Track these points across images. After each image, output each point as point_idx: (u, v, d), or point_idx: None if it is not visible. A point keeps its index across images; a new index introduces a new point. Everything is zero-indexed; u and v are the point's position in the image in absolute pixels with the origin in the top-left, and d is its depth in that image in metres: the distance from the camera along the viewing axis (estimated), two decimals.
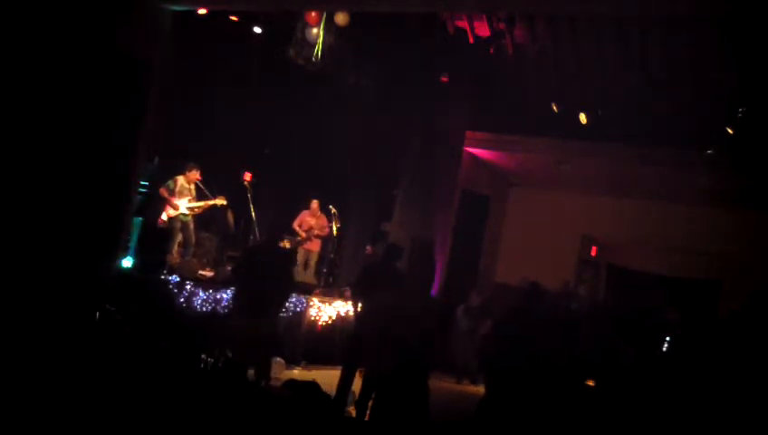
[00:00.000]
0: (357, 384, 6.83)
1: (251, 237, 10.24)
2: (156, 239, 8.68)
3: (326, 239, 11.25)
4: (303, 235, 10.83)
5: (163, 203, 9.24)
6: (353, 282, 8.05)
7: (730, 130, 10.28)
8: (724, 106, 10.24)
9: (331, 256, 11.68)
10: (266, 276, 6.92)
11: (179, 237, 9.24)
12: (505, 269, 13.76)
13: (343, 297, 9.67)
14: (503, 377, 5.98)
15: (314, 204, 10.97)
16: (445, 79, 11.43)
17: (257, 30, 9.90)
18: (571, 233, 13.57)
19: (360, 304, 7.16)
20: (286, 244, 10.69)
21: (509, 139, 12.35)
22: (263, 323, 6.84)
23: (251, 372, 6.97)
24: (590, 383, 7.30)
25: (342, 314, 9.40)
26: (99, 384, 4.63)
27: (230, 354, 6.69)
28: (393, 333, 5.93)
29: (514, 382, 5.73)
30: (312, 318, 9.13)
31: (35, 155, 6.16)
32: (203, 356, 6.32)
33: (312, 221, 10.91)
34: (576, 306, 9.20)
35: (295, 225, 10.94)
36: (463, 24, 11.27)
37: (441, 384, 9.17)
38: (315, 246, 10.99)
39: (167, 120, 8.07)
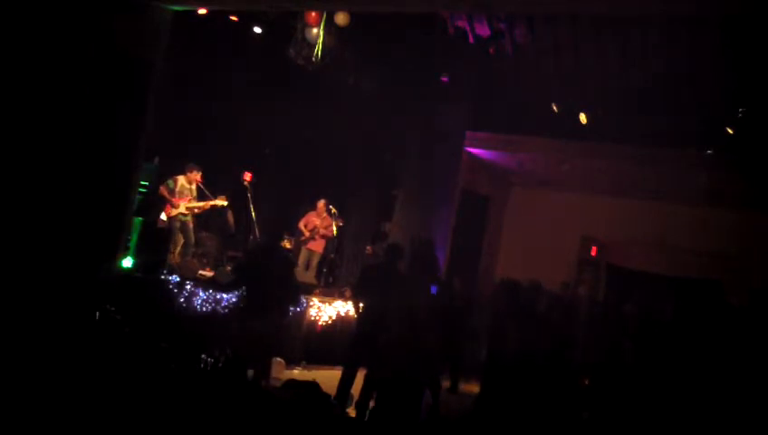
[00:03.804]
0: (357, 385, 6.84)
1: (251, 237, 10.23)
2: (156, 239, 8.67)
3: (329, 240, 11.25)
4: (307, 233, 10.84)
5: (163, 203, 9.24)
6: (354, 283, 8.05)
7: (730, 130, 10.29)
8: (724, 106, 10.25)
9: (332, 256, 11.69)
10: (270, 278, 6.93)
11: (179, 237, 9.24)
12: (505, 269, 13.75)
13: (343, 297, 9.67)
14: (495, 376, 5.99)
15: (320, 204, 10.95)
16: (445, 79, 11.43)
17: (257, 30, 9.90)
18: (571, 233, 13.57)
19: (361, 305, 7.17)
20: (287, 244, 10.70)
21: (509, 139, 12.35)
22: (267, 323, 6.85)
23: (251, 372, 6.97)
24: (586, 382, 7.31)
25: (342, 314, 9.39)
26: (99, 384, 4.62)
27: (230, 354, 6.68)
28: (394, 334, 5.93)
29: (506, 381, 5.74)
30: (312, 318, 9.13)
31: (36, 155, 6.16)
32: (203, 356, 6.32)
33: (317, 221, 10.91)
34: (565, 306, 9.18)
35: (301, 224, 10.94)
36: (463, 23, 11.27)
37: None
38: (318, 246, 10.98)
39: (167, 120, 8.07)
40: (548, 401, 6.34)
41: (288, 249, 10.43)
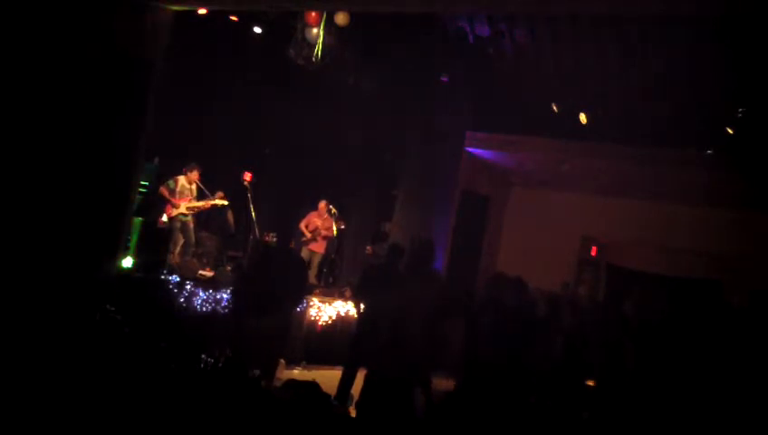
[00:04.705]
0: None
1: (251, 237, 10.24)
2: (156, 239, 8.67)
3: (330, 241, 11.26)
4: (309, 235, 10.85)
5: (163, 203, 9.24)
6: (355, 283, 8.07)
7: (730, 130, 10.29)
8: (724, 106, 10.24)
9: (332, 256, 11.69)
10: (280, 277, 6.96)
11: (179, 237, 9.24)
12: (505, 269, 13.73)
13: (343, 297, 9.68)
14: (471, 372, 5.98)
15: (322, 205, 10.97)
16: (445, 79, 11.43)
17: (257, 30, 9.90)
18: (571, 233, 13.58)
19: (361, 305, 7.18)
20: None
21: (509, 139, 12.36)
22: (272, 323, 6.87)
23: (252, 372, 6.98)
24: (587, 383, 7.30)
25: (342, 314, 9.40)
26: (98, 384, 4.63)
27: (230, 354, 6.68)
28: (395, 334, 5.93)
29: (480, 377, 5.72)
30: (312, 318, 9.13)
31: (36, 155, 6.16)
32: (203, 356, 6.32)
33: (319, 222, 10.92)
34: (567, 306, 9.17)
35: (302, 225, 10.95)
36: (463, 24, 11.27)
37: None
38: (320, 247, 11.00)
39: (167, 120, 8.08)
40: (549, 401, 6.33)
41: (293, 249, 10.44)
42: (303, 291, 7.97)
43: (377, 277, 7.14)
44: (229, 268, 9.54)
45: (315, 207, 11.04)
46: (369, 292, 7.01)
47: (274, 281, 7.02)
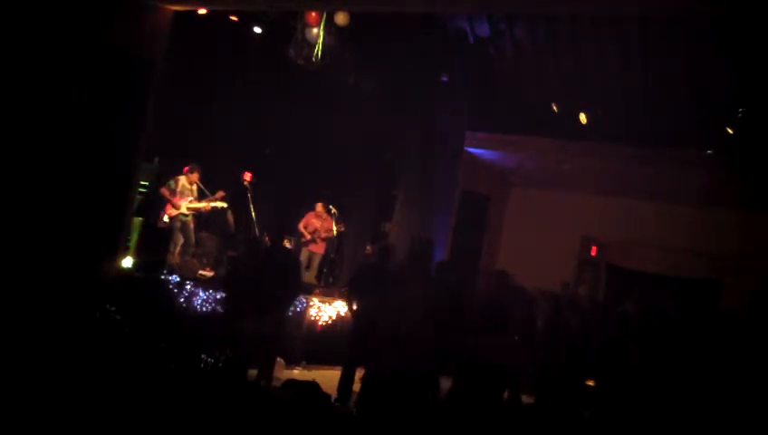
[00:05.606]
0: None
1: (249, 236, 10.23)
2: (156, 239, 8.66)
3: (329, 241, 11.26)
4: (308, 236, 10.85)
5: (164, 203, 9.24)
6: (348, 282, 8.09)
7: (730, 130, 10.30)
8: (724, 106, 10.25)
9: (332, 256, 11.69)
10: (273, 277, 6.95)
11: (179, 237, 9.24)
12: (505, 269, 13.74)
13: (343, 297, 9.68)
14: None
15: (319, 206, 10.97)
16: (445, 79, 11.43)
17: (257, 30, 9.90)
18: (571, 233, 13.57)
19: (355, 305, 7.19)
20: (286, 244, 10.69)
21: (509, 139, 12.36)
22: (268, 323, 6.87)
23: (251, 372, 6.98)
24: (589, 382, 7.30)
25: (342, 314, 9.39)
26: (98, 384, 4.62)
27: (230, 354, 6.68)
28: (390, 333, 5.93)
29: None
30: (312, 318, 9.13)
31: (36, 155, 6.17)
32: (203, 356, 6.32)
33: (318, 223, 10.91)
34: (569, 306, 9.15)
35: (301, 226, 10.94)
36: (463, 24, 11.27)
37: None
38: (320, 248, 11.00)
39: (167, 120, 8.07)
40: (550, 401, 6.34)
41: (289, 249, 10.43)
42: (298, 290, 7.94)
43: (368, 277, 7.17)
44: (229, 268, 9.54)
45: (312, 208, 11.04)
46: (361, 292, 7.03)
47: (267, 281, 7.01)
